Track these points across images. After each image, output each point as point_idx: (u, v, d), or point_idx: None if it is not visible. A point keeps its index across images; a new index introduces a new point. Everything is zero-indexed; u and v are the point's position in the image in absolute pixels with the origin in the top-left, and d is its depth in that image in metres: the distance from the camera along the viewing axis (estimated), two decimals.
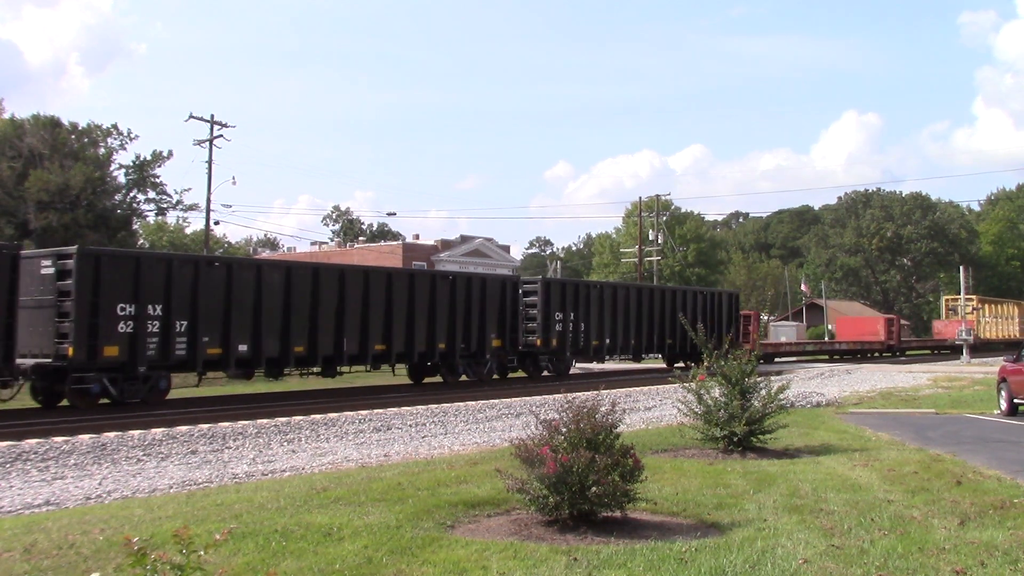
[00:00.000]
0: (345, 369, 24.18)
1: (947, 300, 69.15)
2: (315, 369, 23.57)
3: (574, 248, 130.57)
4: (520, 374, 30.33)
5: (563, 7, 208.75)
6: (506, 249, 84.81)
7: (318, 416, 17.09)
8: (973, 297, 66.42)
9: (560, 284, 31.62)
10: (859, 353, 51.44)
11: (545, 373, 30.30)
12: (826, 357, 49.06)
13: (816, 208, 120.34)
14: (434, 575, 6.06)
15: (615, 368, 39.55)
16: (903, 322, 75.33)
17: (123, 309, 19.06)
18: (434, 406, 19.12)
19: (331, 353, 23.16)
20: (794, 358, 47.32)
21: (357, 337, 23.65)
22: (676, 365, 36.07)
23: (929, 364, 42.17)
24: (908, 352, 56.99)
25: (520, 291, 29.55)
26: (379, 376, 29.43)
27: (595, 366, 38.85)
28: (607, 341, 32.12)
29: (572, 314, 30.31)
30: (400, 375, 27.97)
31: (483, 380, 27.51)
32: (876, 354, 53.17)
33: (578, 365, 36.34)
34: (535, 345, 29.38)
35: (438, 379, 27.71)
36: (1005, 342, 66.45)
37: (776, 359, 45.08)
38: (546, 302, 29.44)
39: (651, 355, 36.14)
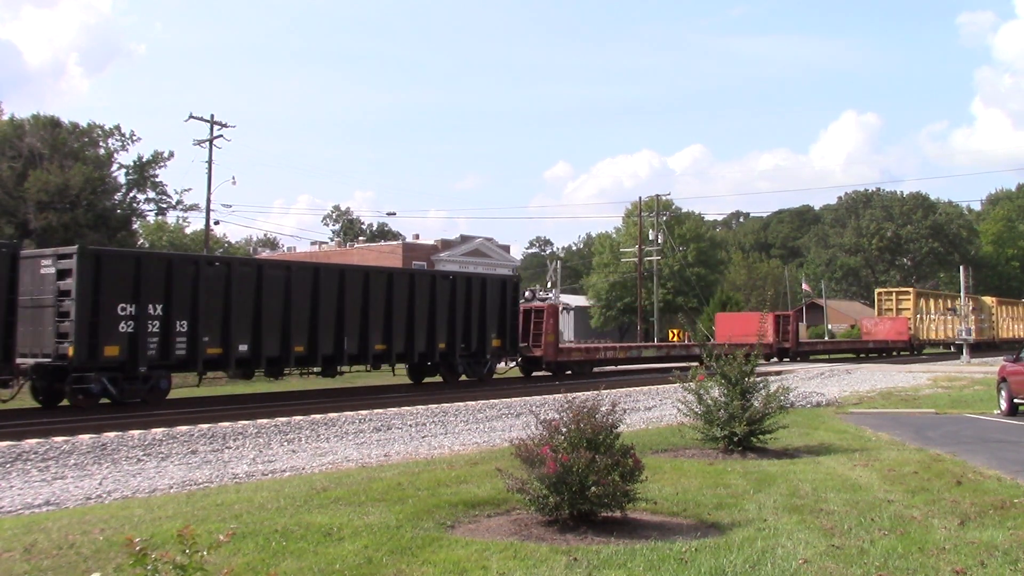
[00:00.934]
0: None
1: (879, 294, 59.48)
2: None
3: (574, 248, 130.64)
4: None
5: (563, 7, 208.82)
6: (506, 249, 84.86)
7: (318, 416, 17.08)
8: (910, 290, 58.56)
9: (132, 259, 20.11)
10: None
11: (105, 399, 19.56)
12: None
13: (816, 208, 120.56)
14: (434, 575, 6.07)
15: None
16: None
17: None
18: (434, 406, 19.13)
19: None
20: (621, 366, 36.56)
21: None
22: (426, 381, 27.79)
23: (929, 364, 42.03)
24: (812, 356, 46.90)
25: (44, 271, 19.17)
26: None
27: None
28: (242, 348, 21.38)
29: (161, 307, 19.76)
30: None
31: None
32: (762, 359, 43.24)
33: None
34: (67, 356, 18.56)
35: None
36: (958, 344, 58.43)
37: (595, 368, 34.20)
38: (93, 287, 18.80)
39: (355, 366, 25.06)
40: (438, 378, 27.95)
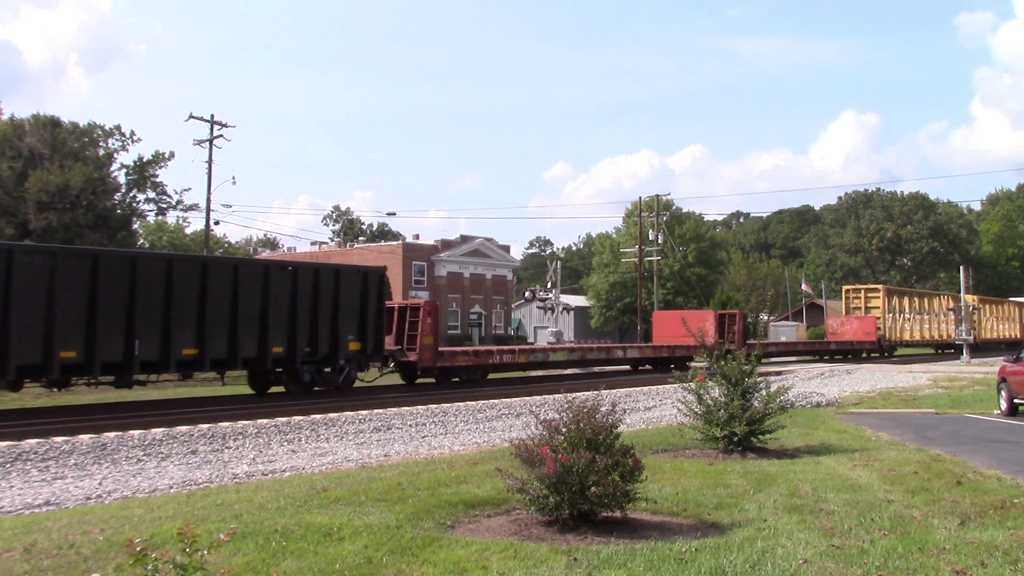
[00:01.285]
0: None
1: (846, 292, 54.79)
2: None
3: (574, 248, 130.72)
4: None
5: (563, 7, 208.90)
6: (506, 249, 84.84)
7: (318, 416, 17.08)
8: (879, 287, 54.63)
9: None
10: (670, 362, 35.68)
11: None
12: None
13: (816, 208, 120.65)
14: (434, 575, 6.06)
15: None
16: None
17: None
18: (434, 406, 19.13)
19: None
20: (527, 371, 33.29)
21: None
22: (273, 391, 23.81)
23: (929, 364, 41.99)
24: (764, 360, 41.67)
25: None
26: None
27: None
28: None
29: None
30: None
31: None
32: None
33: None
34: None
35: None
36: (937, 343, 54.64)
37: (491, 375, 30.37)
38: None
39: (162, 375, 20.98)
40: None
